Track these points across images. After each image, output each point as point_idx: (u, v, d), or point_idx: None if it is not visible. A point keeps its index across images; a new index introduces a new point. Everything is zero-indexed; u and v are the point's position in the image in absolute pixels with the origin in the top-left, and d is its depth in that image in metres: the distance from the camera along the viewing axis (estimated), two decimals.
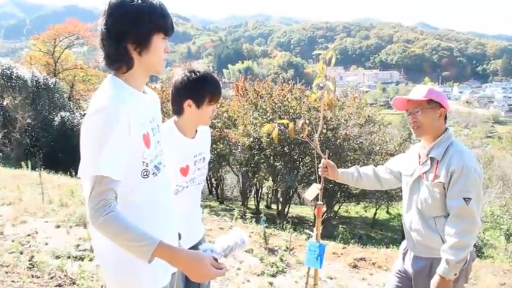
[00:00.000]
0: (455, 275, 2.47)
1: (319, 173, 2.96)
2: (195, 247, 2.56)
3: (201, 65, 2.57)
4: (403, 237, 2.93)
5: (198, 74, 2.41)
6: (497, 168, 23.95)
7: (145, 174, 1.79)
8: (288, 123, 2.75)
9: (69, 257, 4.69)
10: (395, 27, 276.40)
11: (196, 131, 2.59)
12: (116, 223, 1.59)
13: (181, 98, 2.43)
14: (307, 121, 2.73)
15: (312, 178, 15.49)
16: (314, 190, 2.95)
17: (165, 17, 1.78)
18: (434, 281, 2.51)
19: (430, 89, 2.65)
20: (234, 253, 1.77)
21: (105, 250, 1.84)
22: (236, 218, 7.60)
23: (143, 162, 1.77)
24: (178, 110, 2.47)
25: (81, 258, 4.70)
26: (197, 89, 2.41)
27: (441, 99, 2.61)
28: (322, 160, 2.94)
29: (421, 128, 2.65)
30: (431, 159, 2.63)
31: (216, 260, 1.69)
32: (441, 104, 2.61)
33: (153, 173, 1.82)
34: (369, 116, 18.97)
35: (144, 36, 1.73)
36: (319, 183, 2.92)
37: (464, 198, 2.45)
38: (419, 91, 2.66)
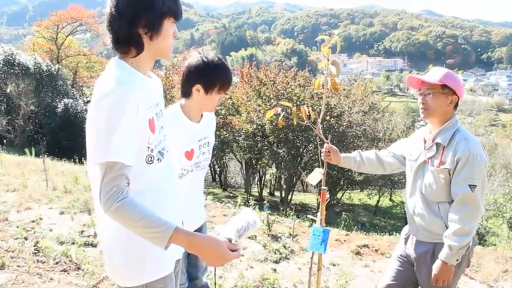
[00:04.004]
0: (457, 260, 2.49)
1: (322, 157, 2.96)
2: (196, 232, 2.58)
3: (215, 53, 2.57)
4: (406, 224, 2.94)
5: (213, 61, 2.43)
6: (501, 157, 23.87)
7: (149, 160, 1.75)
8: (290, 108, 2.73)
9: (73, 243, 4.73)
10: (399, 14, 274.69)
11: (202, 115, 2.60)
12: (130, 210, 1.56)
13: (192, 81, 2.43)
14: (310, 107, 2.72)
15: (316, 165, 15.51)
16: (317, 175, 2.94)
17: (176, 0, 1.75)
18: (436, 266, 2.53)
19: (447, 73, 2.59)
20: (247, 233, 1.74)
21: (112, 238, 1.82)
22: (239, 205, 7.62)
23: (148, 147, 1.73)
24: (186, 92, 2.48)
25: (86, 244, 4.73)
26: (210, 76, 2.42)
27: (456, 87, 2.57)
28: (325, 145, 2.94)
29: (428, 111, 2.63)
30: (437, 144, 2.61)
31: (230, 241, 1.66)
32: (454, 91, 2.57)
33: (158, 159, 1.78)
34: (373, 103, 18.95)
35: (156, 20, 1.69)
36: (322, 168, 2.91)
37: (469, 185, 2.45)
38: (436, 73, 2.62)
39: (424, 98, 2.63)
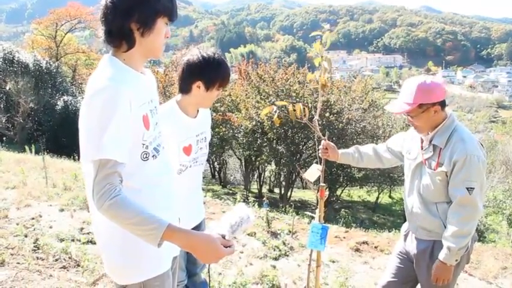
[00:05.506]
0: (456, 260, 2.49)
1: (320, 154, 2.96)
2: (195, 229, 2.57)
3: (214, 49, 2.57)
4: (406, 221, 2.93)
5: (214, 57, 2.42)
6: (501, 153, 23.81)
7: (145, 156, 1.75)
8: (288, 105, 2.73)
9: (73, 240, 4.73)
10: (398, 10, 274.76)
11: (198, 111, 2.60)
12: (123, 207, 1.55)
13: (192, 77, 2.43)
14: (309, 104, 2.71)
15: (315, 162, 15.50)
16: (315, 171, 2.94)
17: (172, 1, 1.76)
18: (436, 266, 2.54)
19: (417, 89, 2.47)
20: (240, 229, 1.72)
21: (108, 236, 1.82)
22: (239, 202, 7.61)
23: (143, 144, 1.73)
24: (185, 89, 2.48)
25: (85, 241, 4.73)
26: (211, 73, 2.42)
27: (432, 97, 2.47)
28: (322, 141, 2.94)
29: (418, 129, 2.61)
30: (434, 146, 2.58)
31: (224, 237, 1.65)
32: (433, 102, 2.49)
33: (153, 156, 1.78)
34: (372, 101, 18.95)
35: (150, 17, 1.69)
36: (320, 165, 2.91)
37: (467, 188, 2.42)
38: (406, 94, 2.52)
39: (409, 119, 2.60)
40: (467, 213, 2.44)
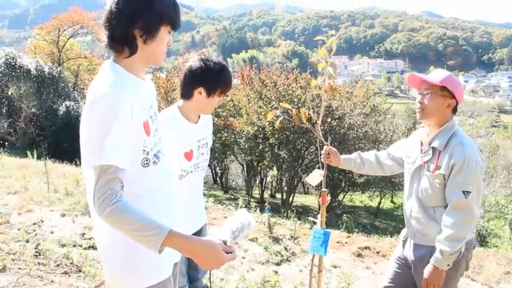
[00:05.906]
0: (448, 265, 2.48)
1: (322, 159, 2.96)
2: (196, 234, 2.57)
3: (216, 55, 2.58)
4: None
5: (216, 64, 2.44)
6: (502, 158, 23.82)
7: (145, 163, 1.75)
8: (291, 110, 2.73)
9: (74, 245, 4.72)
10: (400, 15, 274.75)
11: (199, 116, 2.61)
12: (123, 213, 1.54)
13: (194, 84, 2.44)
14: (311, 109, 2.72)
15: (317, 167, 15.46)
16: (316, 176, 2.94)
17: (176, 10, 1.77)
18: (427, 270, 2.53)
19: (448, 75, 2.56)
20: (242, 235, 1.72)
21: (109, 242, 1.81)
22: (240, 207, 7.61)
23: (143, 150, 1.73)
24: (187, 94, 2.49)
25: (87, 247, 4.72)
26: (213, 79, 2.43)
27: (456, 91, 2.53)
28: (325, 147, 2.94)
29: (424, 112, 2.60)
30: (433, 149, 2.59)
31: (225, 243, 1.64)
32: (454, 95, 2.54)
33: (153, 162, 1.78)
34: (374, 106, 18.94)
35: (154, 25, 1.70)
36: (323, 170, 2.91)
37: (463, 192, 2.43)
38: (437, 74, 2.59)
39: (422, 98, 2.60)
40: (462, 217, 2.44)
